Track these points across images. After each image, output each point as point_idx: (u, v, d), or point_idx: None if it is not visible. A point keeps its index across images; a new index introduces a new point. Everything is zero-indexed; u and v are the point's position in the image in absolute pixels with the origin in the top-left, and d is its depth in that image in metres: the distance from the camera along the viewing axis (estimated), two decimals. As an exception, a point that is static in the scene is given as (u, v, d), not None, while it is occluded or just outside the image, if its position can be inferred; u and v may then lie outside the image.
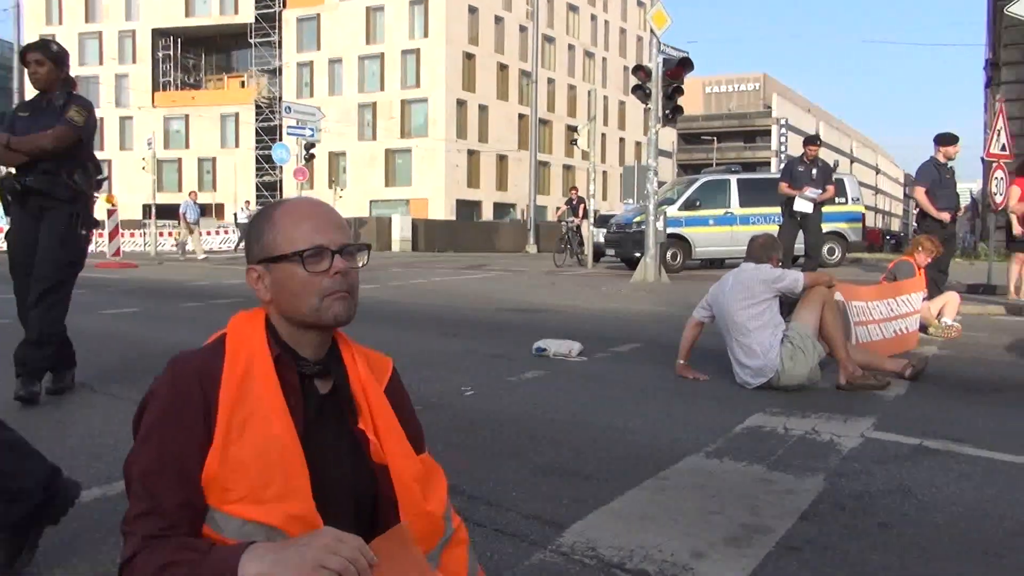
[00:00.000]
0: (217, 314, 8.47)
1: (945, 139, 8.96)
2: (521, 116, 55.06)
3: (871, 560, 2.36)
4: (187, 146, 59.19)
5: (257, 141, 56.84)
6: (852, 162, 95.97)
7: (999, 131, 11.56)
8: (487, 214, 54.53)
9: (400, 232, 32.89)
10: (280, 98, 53.10)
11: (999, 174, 11.34)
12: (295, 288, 1.48)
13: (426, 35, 52.24)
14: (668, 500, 2.85)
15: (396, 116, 53.41)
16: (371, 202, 53.14)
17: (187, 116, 58.91)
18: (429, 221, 38.25)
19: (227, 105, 58.75)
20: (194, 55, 62.65)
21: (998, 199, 11.27)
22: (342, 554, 1.25)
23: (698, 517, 2.68)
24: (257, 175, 57.18)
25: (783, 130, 76.69)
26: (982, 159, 12.12)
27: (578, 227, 19.77)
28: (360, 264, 1.56)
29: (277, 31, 56.47)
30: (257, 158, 56.58)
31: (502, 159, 56.38)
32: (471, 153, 54.06)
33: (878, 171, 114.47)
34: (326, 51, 55.25)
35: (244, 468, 1.37)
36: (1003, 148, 11.56)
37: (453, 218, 48.76)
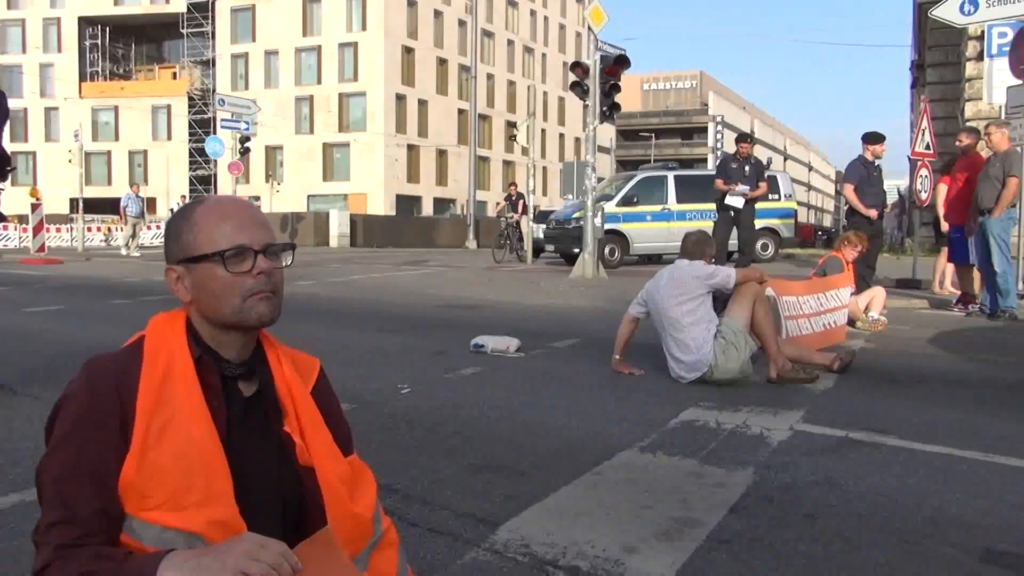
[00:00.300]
0: (147, 312, 8.25)
1: (872, 138, 9.25)
2: (461, 111, 54.94)
3: (797, 551, 2.42)
4: (116, 138, 57.58)
5: (190, 134, 55.56)
6: (786, 159, 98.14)
7: (924, 130, 11.94)
8: (427, 209, 54.30)
9: (338, 227, 32.53)
10: (214, 90, 51.97)
11: (924, 172, 11.73)
12: (216, 289, 1.44)
13: (364, 28, 51.73)
14: (602, 495, 2.88)
15: (334, 110, 52.79)
16: (309, 197, 52.47)
17: (116, 107, 57.30)
18: (368, 216, 37.92)
19: (158, 97, 57.33)
20: (123, 45, 60.91)
21: (923, 196, 11.65)
22: (264, 560, 1.23)
23: (630, 512, 2.71)
24: (191, 169, 55.92)
25: (719, 127, 78.05)
26: (909, 157, 12.50)
27: (517, 223, 19.82)
28: (285, 264, 1.53)
29: (210, 21, 55.26)
30: (190, 151, 55.31)
31: (442, 154, 56.19)
32: (411, 148, 53.74)
33: (811, 168, 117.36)
34: (261, 43, 54.30)
35: (163, 474, 1.33)
36: (927, 147, 11.93)
37: (392, 213, 48.41)
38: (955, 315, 8.83)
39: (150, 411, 1.36)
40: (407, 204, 53.00)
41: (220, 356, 1.48)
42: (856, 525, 2.64)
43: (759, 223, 14.78)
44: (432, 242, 34.80)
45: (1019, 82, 9.57)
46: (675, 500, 2.83)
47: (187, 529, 1.33)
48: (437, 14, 55.37)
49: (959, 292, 9.47)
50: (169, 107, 56.73)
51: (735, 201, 11.05)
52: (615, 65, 13.85)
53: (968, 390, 4.93)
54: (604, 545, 2.42)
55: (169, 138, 56.91)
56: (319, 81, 53.28)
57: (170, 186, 54.16)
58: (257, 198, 53.28)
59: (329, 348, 6.15)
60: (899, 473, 3.20)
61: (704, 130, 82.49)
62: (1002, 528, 2.62)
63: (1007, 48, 9.97)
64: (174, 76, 59.04)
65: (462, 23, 55.43)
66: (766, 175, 12.91)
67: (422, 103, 54.53)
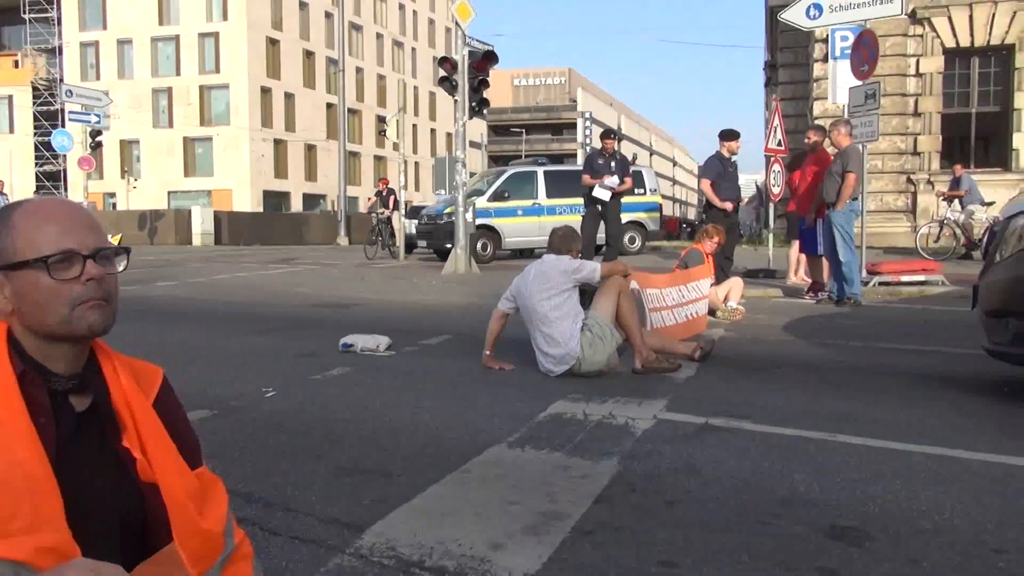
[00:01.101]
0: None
1: (728, 135, 9.67)
2: (330, 105, 53.86)
3: (658, 538, 2.49)
4: (-49, 131, 53.33)
5: (36, 127, 52.02)
6: (652, 155, 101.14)
7: (775, 128, 12.60)
8: (296, 205, 53.02)
9: (201, 225, 31.31)
10: (61, 80, 48.87)
11: (776, 167, 12.37)
12: (40, 298, 1.34)
13: (225, 18, 49.88)
14: (470, 493, 2.88)
15: (195, 102, 50.69)
16: (169, 193, 50.24)
17: (-49, 98, 53.04)
18: (233, 213, 36.69)
19: (-1, 86, 53.45)
20: (-43, 30, 56.43)
21: (775, 190, 12.28)
22: (96, 586, 1.15)
23: (498, 508, 2.72)
24: (37, 164, 52.42)
25: (588, 123, 79.61)
26: (764, 153, 13.19)
27: (389, 219, 19.62)
28: (119, 269, 1.44)
29: (55, 6, 51.92)
30: (36, 145, 51.80)
31: (311, 149, 54.95)
32: (278, 142, 52.29)
33: (675, 163, 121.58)
34: (114, 30, 51.49)
35: (-15, 500, 1.23)
36: (779, 144, 12.61)
37: (260, 210, 47.05)
38: (807, 303, 9.34)
39: (-33, 433, 1.25)
40: (275, 200, 51.58)
41: (48, 370, 1.38)
42: (714, 509, 2.74)
43: (626, 217, 15.20)
44: (302, 239, 34.02)
45: (859, 83, 10.22)
46: (542, 494, 2.86)
47: (13, 558, 1.23)
48: (303, 5, 54.04)
49: (810, 281, 10.04)
50: (11, 98, 52.94)
51: (602, 194, 11.28)
52: (483, 61, 13.90)
53: (817, 373, 5.22)
54: (471, 543, 2.42)
55: (12, 131, 53.12)
56: (178, 72, 51.04)
57: (14, 183, 50.63)
58: (112, 195, 50.63)
59: (191, 352, 5.90)
60: (754, 456, 3.35)
61: (573, 126, 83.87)
62: (845, 504, 2.78)
63: (848, 51, 10.62)
64: (16, 64, 55.10)
65: (329, 15, 54.35)
66: (632, 170, 13.29)
67: (289, 96, 53.13)
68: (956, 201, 15.51)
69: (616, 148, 11.83)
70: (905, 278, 10.30)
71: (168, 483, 1.44)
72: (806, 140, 10.04)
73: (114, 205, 49.53)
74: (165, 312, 8.74)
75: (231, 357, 5.73)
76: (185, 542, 1.40)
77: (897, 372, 5.31)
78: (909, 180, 19.19)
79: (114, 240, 30.39)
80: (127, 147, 51.25)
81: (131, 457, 1.42)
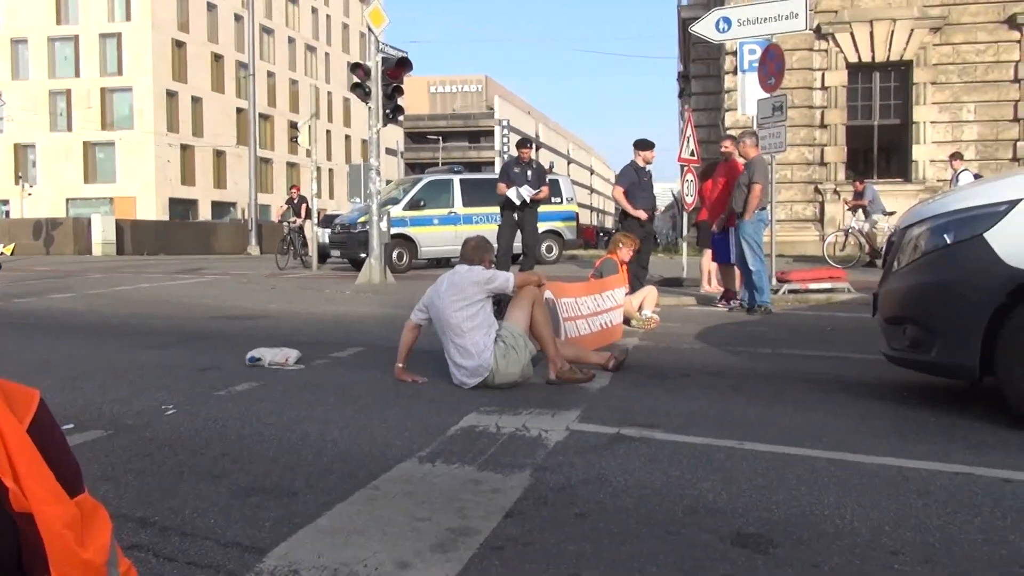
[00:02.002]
0: None
1: (643, 145, 9.84)
2: (240, 110, 52.77)
3: (567, 551, 2.50)
4: None
5: (-81, 129, 49.39)
6: (569, 163, 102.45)
7: (688, 138, 12.89)
8: (204, 213, 51.73)
9: (102, 234, 30.24)
10: (-52, 80, 46.60)
11: (690, 177, 12.65)
12: None
13: (128, 18, 48.42)
14: (377, 511, 2.84)
15: (96, 105, 48.99)
16: (68, 200, 48.39)
17: None
18: (137, 222, 35.57)
19: None
20: None
21: (688, 200, 12.56)
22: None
23: (406, 526, 2.69)
24: (-80, 169, 49.78)
25: (505, 131, 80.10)
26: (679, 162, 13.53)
27: (301, 227, 19.32)
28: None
29: (-58, 2, 49.54)
30: (-79, 149, 49.22)
31: (220, 155, 53.72)
32: (184, 148, 50.94)
33: (592, 171, 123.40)
34: (7, 29, 49.39)
35: None
36: (692, 153, 12.90)
37: (165, 218, 45.72)
38: (719, 311, 9.57)
39: None
40: (182, 208, 50.19)
41: (-94, 395, 1.30)
42: (624, 520, 2.77)
43: (542, 226, 15.32)
44: (210, 248, 33.19)
45: (767, 95, 10.55)
46: (452, 510, 2.84)
47: None
48: (211, 7, 52.86)
49: (723, 289, 10.27)
50: None
51: (515, 194, 11.23)
52: (397, 68, 13.84)
53: (727, 381, 5.34)
54: (377, 563, 2.38)
55: None
56: (77, 74, 49.29)
57: None
58: (5, 202, 48.43)
59: (85, 368, 5.68)
60: (664, 466, 3.40)
61: (490, 133, 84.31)
62: (751, 511, 2.85)
63: (756, 64, 10.97)
64: (-102, 63, 52.27)
65: (239, 18, 53.28)
66: (549, 179, 13.40)
67: (196, 100, 51.85)
68: (860, 211, 16.17)
69: (533, 157, 11.89)
70: (813, 286, 10.66)
71: (45, 513, 1.37)
72: (723, 149, 10.22)
73: (7, 213, 47.39)
74: (59, 326, 8.39)
75: (129, 372, 5.53)
76: (64, 575, 1.34)
77: (804, 378, 5.48)
78: (817, 190, 19.93)
79: (6, 250, 28.98)
80: (21, 151, 49.15)
81: (2, 487, 1.35)
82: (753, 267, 8.95)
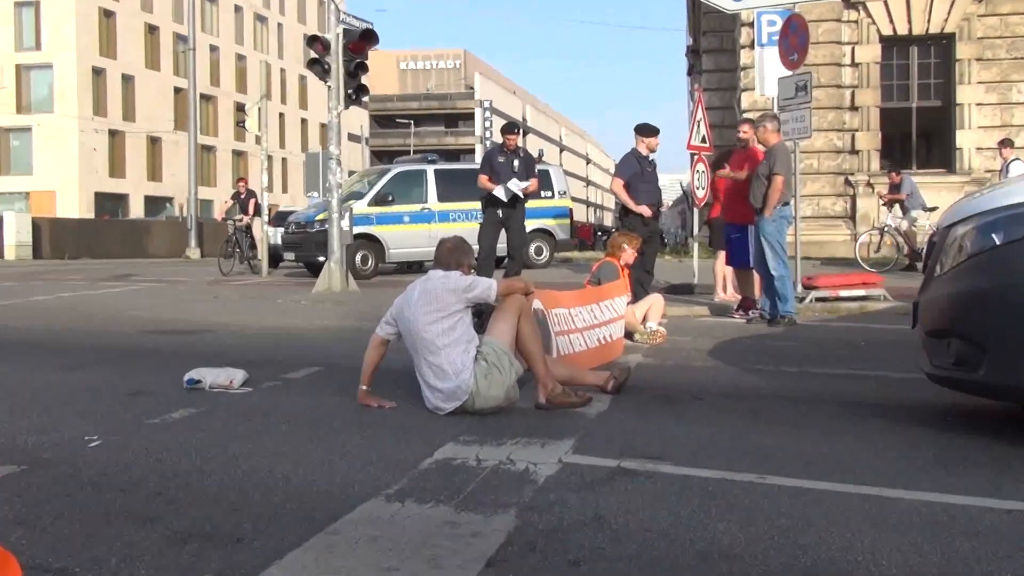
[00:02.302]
0: None
1: (646, 130, 9.83)
2: (178, 90, 52.69)
3: (559, 605, 2.49)
4: None
5: None
6: (562, 151, 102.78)
7: (699, 122, 12.92)
8: (136, 211, 51.54)
9: (16, 235, 30.14)
10: None
11: (700, 167, 12.68)
12: None
13: (47, -16, 48.24)
14: (337, 560, 2.82)
15: (10, 85, 48.76)
16: (-24, 196, 48.05)
17: None
18: (57, 220, 35.48)
19: None
20: None
21: (700, 193, 12.60)
22: None
23: (371, 577, 2.67)
24: None
25: (487, 114, 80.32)
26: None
27: (249, 226, 19.28)
28: None
29: None
30: None
31: (155, 142, 53.57)
32: (113, 134, 50.77)
33: (589, 161, 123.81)
34: (-98, -3, 49.11)
35: None
36: (703, 140, 12.93)
37: (91, 216, 45.47)
38: (736, 322, 9.61)
39: None
40: (110, 204, 50.00)
41: None
42: (625, 569, 2.76)
43: (531, 224, 15.33)
44: (143, 251, 33.13)
45: (789, 73, 10.62)
46: (424, 558, 2.82)
47: None
48: (144, -29, 52.78)
49: (740, 297, 10.29)
50: None
51: (501, 192, 11.23)
52: (360, 41, 13.85)
53: (745, 404, 5.35)
54: (336, 621, 2.36)
55: None
56: (-13, 48, 48.97)
57: None
58: (-99, 197, 48.10)
59: (-7, 393, 5.63)
60: (672, 504, 3.40)
61: (471, 116, 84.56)
62: (773, 556, 2.84)
63: (776, 37, 11.03)
64: None
65: (176, -18, 53.25)
66: (538, 170, 13.42)
67: (127, 79, 51.71)
68: (897, 206, 16.26)
69: (520, 144, 11.92)
70: (844, 293, 10.74)
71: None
72: (742, 134, 10.14)
73: None
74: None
75: (47, 397, 5.50)
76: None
77: (834, 401, 5.49)
78: (847, 182, 20.06)
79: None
80: (-80, 138, 48.82)
81: None
82: (775, 272, 8.98)
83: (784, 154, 9.20)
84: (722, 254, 11.03)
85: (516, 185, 11.10)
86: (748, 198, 9.30)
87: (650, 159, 9.91)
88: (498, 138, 11.70)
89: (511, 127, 11.91)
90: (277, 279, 17.22)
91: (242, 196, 19.68)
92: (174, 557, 2.84)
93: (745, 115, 13.87)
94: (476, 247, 8.49)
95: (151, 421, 4.84)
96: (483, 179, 11.37)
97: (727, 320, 9.83)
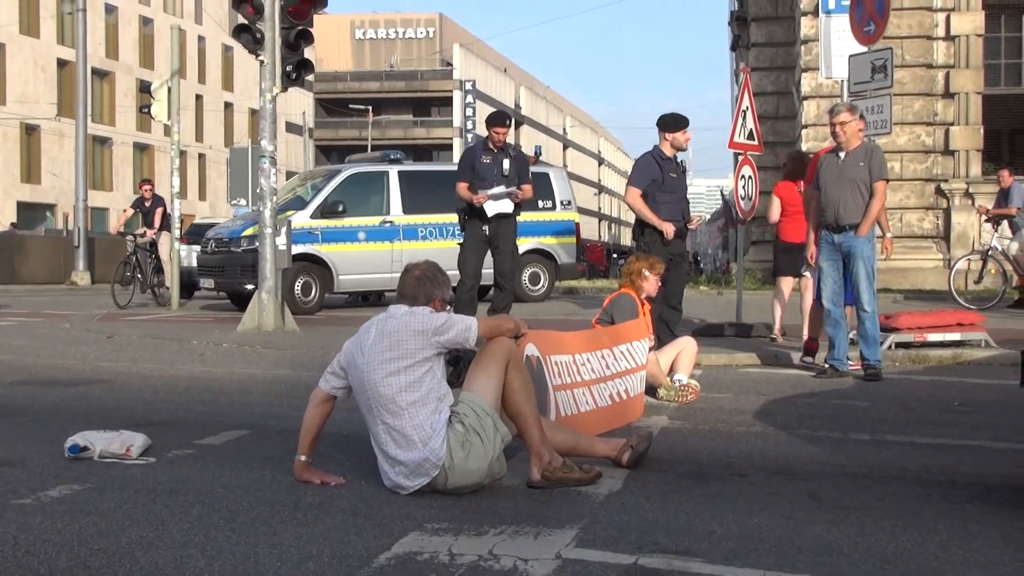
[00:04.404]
0: None
1: (671, 123, 9.79)
2: (63, 63, 52.77)
3: None
4: None
5: None
6: (566, 147, 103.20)
7: (745, 112, 12.88)
8: (5, 221, 51.42)
9: None
10: None
11: (747, 171, 12.67)
12: None
13: None
14: None
15: None
16: None
17: None
18: (-100, 234, 35.27)
19: None
20: None
21: (744, 205, 12.59)
22: None
23: None
24: None
25: (469, 98, 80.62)
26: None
27: (154, 243, 19.26)
28: None
29: None
30: None
31: (31, 132, 53.64)
32: (-27, 121, 50.75)
33: (601, 161, 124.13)
34: None
35: None
36: (751, 135, 12.91)
37: (-55, 229, 45.36)
38: (792, 375, 9.60)
39: None
40: (-29, 213, 49.86)
41: None
42: None
43: (525, 243, 15.40)
44: (13, 275, 33.04)
45: (862, 49, 10.68)
46: None
47: None
48: (19, -92, 53.07)
49: (806, 339, 10.19)
50: None
51: (493, 208, 11.23)
52: (303, 3, 13.91)
53: (801, 484, 5.37)
54: None
55: None
56: None
57: None
58: None
59: None
60: (704, 615, 3.42)
61: (448, 102, 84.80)
62: None
63: (847, 2, 11.07)
64: None
65: (63, -76, 53.56)
66: (533, 172, 13.46)
67: (-4, 49, 51.81)
68: (1005, 223, 16.26)
69: (504, 140, 11.79)
70: (933, 337, 10.74)
71: None
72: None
73: None
74: None
75: None
76: None
77: (917, 480, 5.50)
78: (939, 191, 20.15)
79: None
80: None
81: None
82: (868, 306, 8.98)
83: (881, 155, 9.12)
84: (808, 284, 10.83)
85: (499, 191, 11.10)
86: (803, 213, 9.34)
87: (675, 160, 9.83)
88: (482, 131, 11.74)
89: (499, 117, 11.85)
90: (191, 312, 17.20)
91: (146, 204, 19.65)
92: None
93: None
94: (453, 275, 8.51)
95: (20, 501, 4.83)
96: (461, 186, 11.34)
97: (782, 372, 9.83)
